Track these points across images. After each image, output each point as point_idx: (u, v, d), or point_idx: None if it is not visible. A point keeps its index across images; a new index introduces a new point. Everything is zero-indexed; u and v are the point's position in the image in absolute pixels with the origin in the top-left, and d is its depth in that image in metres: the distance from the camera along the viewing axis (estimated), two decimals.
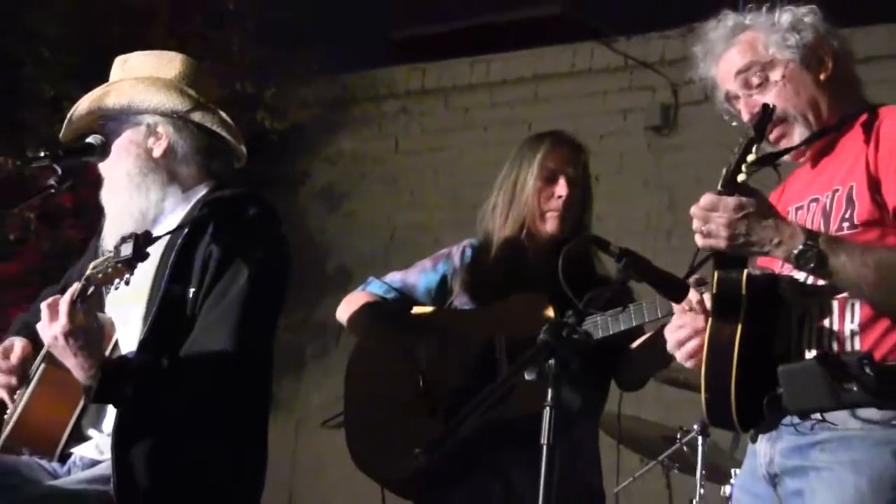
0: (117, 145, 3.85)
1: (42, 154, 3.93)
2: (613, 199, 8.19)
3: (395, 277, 4.45)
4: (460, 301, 4.37)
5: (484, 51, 9.35)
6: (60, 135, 4.00)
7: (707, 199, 2.97)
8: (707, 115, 7.65)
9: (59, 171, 3.84)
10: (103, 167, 3.87)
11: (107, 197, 3.89)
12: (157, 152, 3.84)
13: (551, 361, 2.82)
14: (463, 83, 9.33)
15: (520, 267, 4.30)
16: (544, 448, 2.78)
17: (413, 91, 9.53)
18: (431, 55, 9.63)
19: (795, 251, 2.95)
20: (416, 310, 4.38)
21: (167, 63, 3.98)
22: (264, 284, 3.71)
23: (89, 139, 3.89)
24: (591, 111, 8.87)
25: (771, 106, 3.14)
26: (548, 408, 2.81)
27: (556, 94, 9.03)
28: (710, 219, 2.96)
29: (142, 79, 3.94)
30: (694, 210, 2.99)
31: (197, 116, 3.90)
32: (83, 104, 3.91)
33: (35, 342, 3.92)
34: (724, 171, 3.04)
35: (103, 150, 3.89)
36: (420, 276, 4.45)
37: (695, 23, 7.91)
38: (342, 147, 9.64)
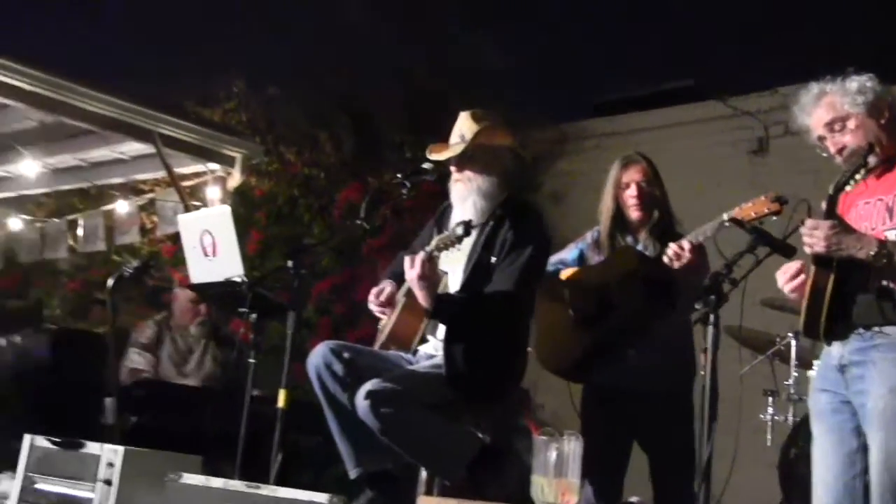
0: (480, 164, 3.83)
1: (398, 176, 3.96)
2: (726, 197, 7.98)
3: (555, 257, 4.30)
4: (594, 261, 4.27)
5: (648, 108, 9.20)
6: (431, 152, 3.91)
7: (811, 222, 2.94)
8: (786, 146, 7.50)
9: (407, 186, 3.88)
10: (465, 176, 3.84)
11: (464, 193, 3.84)
12: (502, 171, 3.83)
13: (712, 297, 2.80)
14: (636, 128, 9.14)
15: (619, 237, 4.20)
16: (708, 351, 2.79)
17: (605, 133, 9.39)
18: (617, 111, 9.50)
19: (872, 252, 2.88)
20: (565, 272, 4.26)
21: (496, 116, 3.95)
22: (536, 258, 3.74)
23: (425, 165, 3.90)
24: (714, 143, 8.64)
25: (869, 145, 3.06)
26: (711, 326, 2.80)
27: (693, 132, 8.77)
28: (814, 234, 2.91)
29: (499, 126, 3.91)
30: (803, 229, 2.94)
31: (519, 151, 3.93)
32: (470, 136, 3.84)
33: (397, 281, 3.96)
34: (834, 184, 2.97)
35: (433, 173, 3.90)
36: (569, 252, 4.34)
37: (778, 87, 7.76)
38: (561, 167, 9.53)
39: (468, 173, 3.84)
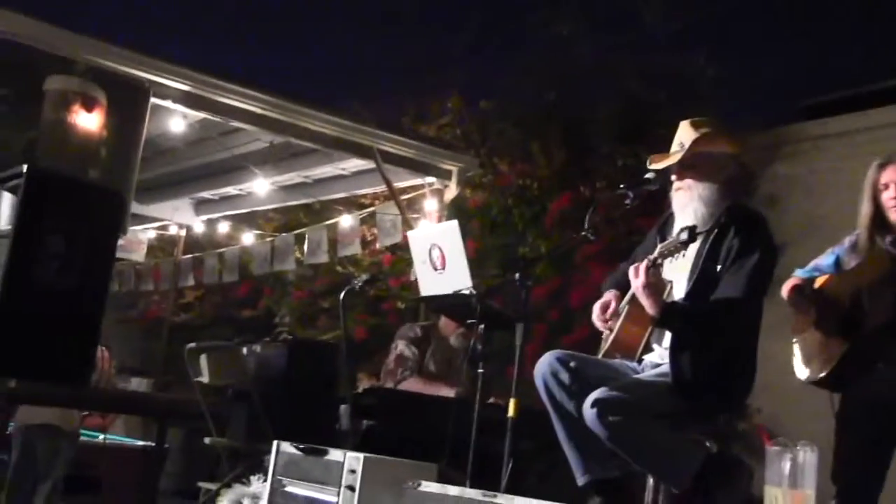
0: (700, 171, 3.74)
1: (622, 186, 3.89)
2: None
3: (811, 264, 4.14)
4: (850, 266, 4.03)
5: (863, 108, 8.78)
6: (652, 162, 3.81)
7: None
8: None
9: (630, 196, 3.83)
10: (685, 184, 3.75)
11: (685, 201, 3.75)
12: (724, 178, 3.75)
13: None
14: (852, 129, 8.74)
15: (880, 241, 3.94)
16: None
17: (821, 135, 9.03)
18: (829, 112, 9.13)
19: None
20: (820, 279, 4.07)
21: (717, 123, 3.85)
22: (764, 265, 3.59)
23: (648, 175, 3.82)
24: None
25: None
26: None
27: None
28: None
29: (720, 133, 3.80)
30: None
31: (742, 158, 3.83)
32: (689, 144, 3.72)
33: (620, 289, 3.90)
34: None
35: (655, 182, 3.83)
36: (824, 259, 4.12)
37: None
38: (777, 171, 9.24)
39: (688, 181, 3.75)
